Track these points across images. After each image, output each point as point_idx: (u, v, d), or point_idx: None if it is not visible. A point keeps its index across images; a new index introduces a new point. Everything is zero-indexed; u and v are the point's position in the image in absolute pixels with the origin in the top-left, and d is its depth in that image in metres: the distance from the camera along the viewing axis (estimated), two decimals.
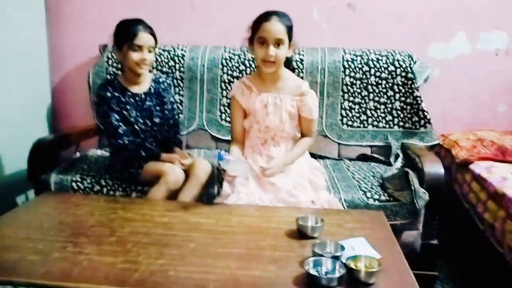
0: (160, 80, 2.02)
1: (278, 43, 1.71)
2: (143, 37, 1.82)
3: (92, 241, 1.32)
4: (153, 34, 1.87)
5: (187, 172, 1.83)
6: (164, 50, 2.41)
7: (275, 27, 1.70)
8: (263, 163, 1.80)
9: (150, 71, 2.03)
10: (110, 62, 2.43)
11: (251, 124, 1.88)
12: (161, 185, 1.77)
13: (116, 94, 1.88)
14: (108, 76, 2.42)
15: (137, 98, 1.92)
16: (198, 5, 2.54)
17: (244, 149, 1.90)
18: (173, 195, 1.78)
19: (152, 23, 1.90)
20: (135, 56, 1.83)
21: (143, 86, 1.96)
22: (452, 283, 2.00)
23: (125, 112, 1.89)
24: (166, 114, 2.01)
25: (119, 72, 2.38)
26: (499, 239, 1.71)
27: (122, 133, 1.85)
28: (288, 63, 1.88)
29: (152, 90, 1.97)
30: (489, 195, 1.84)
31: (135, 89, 1.93)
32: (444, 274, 2.03)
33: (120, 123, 1.86)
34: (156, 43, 1.89)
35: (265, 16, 1.72)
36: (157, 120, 1.96)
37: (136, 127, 1.90)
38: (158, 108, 1.98)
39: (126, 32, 1.82)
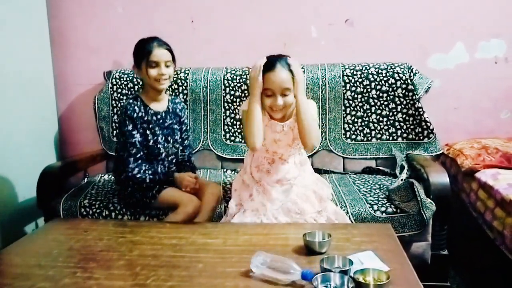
0: (176, 101, 2.07)
1: (284, 93, 1.67)
2: (158, 53, 1.84)
3: (101, 266, 1.33)
4: (169, 49, 1.89)
5: (197, 196, 1.85)
6: None
7: (281, 77, 1.65)
8: (270, 180, 1.81)
9: (170, 87, 2.01)
10: (114, 88, 2.47)
11: None
12: (179, 214, 1.77)
13: (140, 113, 1.88)
14: (113, 102, 2.47)
15: (158, 116, 1.93)
16: (198, 28, 2.59)
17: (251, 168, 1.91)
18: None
19: None
20: (153, 72, 1.84)
21: (163, 104, 1.97)
22: None
23: (148, 132, 1.89)
24: (182, 133, 2.05)
25: (124, 98, 2.43)
26: (509, 246, 1.70)
27: (134, 166, 1.85)
28: None
29: (171, 109, 1.99)
30: (496, 202, 1.82)
31: (156, 107, 1.94)
32: (457, 284, 2.01)
33: (138, 148, 1.85)
34: (173, 58, 1.90)
35: (269, 66, 1.66)
36: (177, 138, 1.99)
37: (159, 145, 1.91)
38: (176, 127, 2.00)
39: (142, 50, 1.85)
